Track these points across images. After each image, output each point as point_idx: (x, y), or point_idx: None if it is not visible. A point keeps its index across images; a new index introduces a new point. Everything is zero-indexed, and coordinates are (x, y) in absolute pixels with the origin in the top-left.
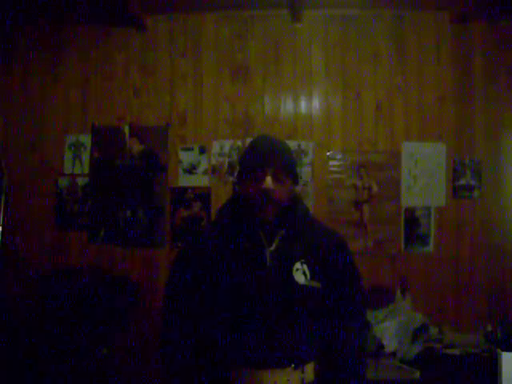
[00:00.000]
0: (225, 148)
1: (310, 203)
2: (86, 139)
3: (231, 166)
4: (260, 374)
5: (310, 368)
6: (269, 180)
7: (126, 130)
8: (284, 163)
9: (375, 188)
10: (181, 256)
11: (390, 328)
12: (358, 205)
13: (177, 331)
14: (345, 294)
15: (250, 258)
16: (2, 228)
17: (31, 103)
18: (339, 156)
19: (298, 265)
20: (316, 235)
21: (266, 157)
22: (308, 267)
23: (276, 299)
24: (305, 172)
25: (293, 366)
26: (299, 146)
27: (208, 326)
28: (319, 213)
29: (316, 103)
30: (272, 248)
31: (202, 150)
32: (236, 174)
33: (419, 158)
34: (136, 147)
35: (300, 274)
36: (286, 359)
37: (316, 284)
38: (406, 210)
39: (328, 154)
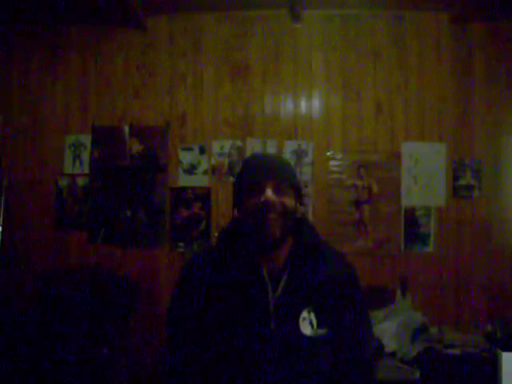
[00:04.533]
0: (225, 148)
1: (310, 203)
2: (86, 139)
3: (231, 165)
4: None
5: None
6: (268, 191)
7: (126, 130)
8: (283, 174)
9: (375, 188)
10: (178, 293)
11: (390, 328)
12: (358, 205)
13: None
14: (353, 341)
15: (252, 304)
16: (2, 228)
17: (31, 103)
18: (339, 156)
19: (304, 313)
20: (325, 268)
21: (263, 170)
22: (315, 315)
23: (279, 354)
24: (305, 172)
25: None
26: (299, 146)
27: (208, 379)
28: (319, 213)
29: (316, 103)
30: (277, 294)
31: (202, 150)
32: (234, 197)
33: (419, 158)
34: (136, 147)
35: (307, 324)
36: None
37: (323, 332)
38: (406, 210)
39: (328, 154)
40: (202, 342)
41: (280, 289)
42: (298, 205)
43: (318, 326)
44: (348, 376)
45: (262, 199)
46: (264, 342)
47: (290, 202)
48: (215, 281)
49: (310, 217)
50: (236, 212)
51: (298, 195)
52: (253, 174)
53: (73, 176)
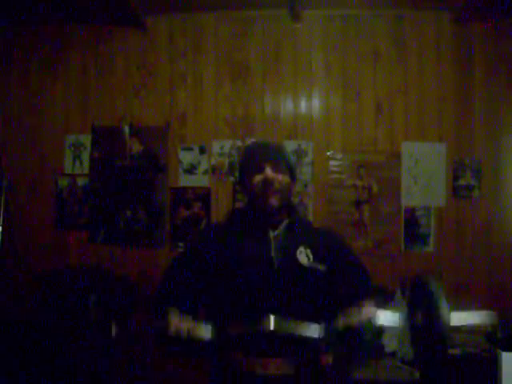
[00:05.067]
0: (225, 148)
1: (309, 203)
2: (86, 139)
3: (231, 165)
4: (264, 360)
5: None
6: (268, 169)
7: (126, 130)
8: (280, 156)
9: (375, 188)
10: (194, 238)
11: (390, 328)
12: (358, 205)
13: (173, 293)
14: (350, 276)
15: (254, 240)
16: (2, 228)
17: (31, 103)
18: (339, 156)
19: (301, 248)
20: (315, 231)
21: (262, 152)
22: (311, 251)
23: (280, 280)
24: (305, 172)
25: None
26: (299, 145)
27: (210, 306)
28: (319, 213)
29: (316, 103)
30: (276, 232)
31: (202, 150)
32: (237, 178)
33: (419, 158)
34: (136, 147)
35: (303, 256)
36: (290, 348)
37: (319, 266)
38: (406, 210)
39: (328, 154)
40: (207, 280)
41: (279, 230)
42: (292, 184)
43: (315, 260)
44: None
45: (263, 176)
46: (266, 269)
47: (285, 178)
48: (226, 230)
49: (310, 217)
50: (239, 188)
51: (292, 174)
52: (254, 157)
53: (73, 176)
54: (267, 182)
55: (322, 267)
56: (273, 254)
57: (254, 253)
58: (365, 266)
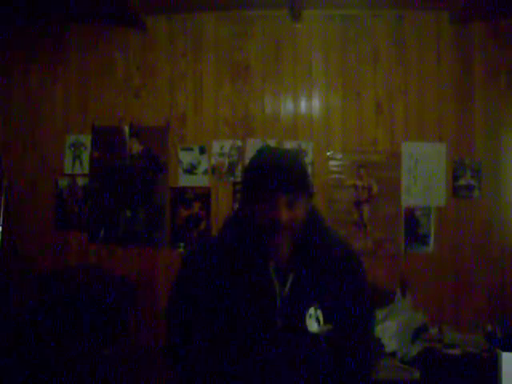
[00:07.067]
0: (225, 148)
1: None
2: (86, 139)
3: (231, 165)
4: None
5: None
6: (283, 211)
7: (126, 130)
8: (297, 184)
9: (375, 188)
10: (182, 279)
11: (390, 328)
12: (358, 205)
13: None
14: (356, 342)
15: (259, 301)
16: (2, 228)
17: (31, 103)
18: (339, 156)
19: (311, 310)
20: (331, 263)
21: (277, 181)
22: (322, 311)
23: (286, 352)
24: None
25: None
26: (299, 145)
27: (211, 372)
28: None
29: (316, 103)
30: (284, 291)
31: (202, 150)
32: (241, 191)
33: (419, 158)
34: (136, 147)
35: (313, 321)
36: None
37: (328, 328)
38: (406, 210)
39: (328, 154)
40: (205, 332)
41: (287, 287)
42: (309, 202)
43: (324, 321)
44: (349, 376)
45: (276, 218)
46: (270, 340)
47: (302, 211)
48: (221, 272)
49: None
50: (242, 206)
51: (310, 194)
52: (265, 182)
53: (73, 176)
54: (280, 226)
55: (330, 328)
56: (279, 324)
57: (259, 324)
58: (369, 339)
